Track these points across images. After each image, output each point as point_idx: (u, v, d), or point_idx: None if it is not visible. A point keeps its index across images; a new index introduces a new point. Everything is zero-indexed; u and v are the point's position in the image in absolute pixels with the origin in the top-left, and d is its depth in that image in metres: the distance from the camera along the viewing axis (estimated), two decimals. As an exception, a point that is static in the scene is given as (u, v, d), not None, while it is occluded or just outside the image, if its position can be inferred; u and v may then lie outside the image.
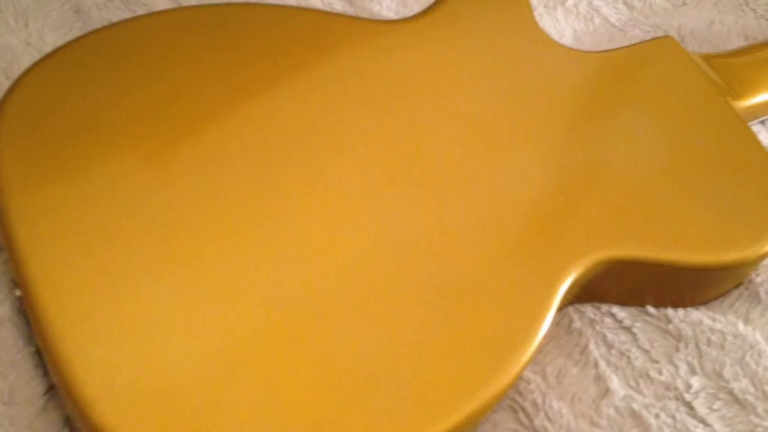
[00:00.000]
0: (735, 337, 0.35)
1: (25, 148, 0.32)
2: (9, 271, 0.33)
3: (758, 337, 0.35)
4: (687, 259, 0.34)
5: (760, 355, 0.34)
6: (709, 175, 0.36)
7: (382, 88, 0.37)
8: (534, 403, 0.32)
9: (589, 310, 0.36)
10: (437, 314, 0.30)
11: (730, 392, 0.34)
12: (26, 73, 0.35)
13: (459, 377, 0.29)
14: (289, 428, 0.27)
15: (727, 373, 0.34)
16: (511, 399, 0.33)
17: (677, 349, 0.35)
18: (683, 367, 0.34)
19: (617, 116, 0.38)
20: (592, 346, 0.35)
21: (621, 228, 0.34)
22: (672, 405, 0.33)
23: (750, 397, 0.33)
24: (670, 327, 0.35)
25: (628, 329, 0.35)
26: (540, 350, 0.32)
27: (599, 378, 0.34)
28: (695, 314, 0.36)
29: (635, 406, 0.33)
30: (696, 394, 0.33)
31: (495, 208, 0.34)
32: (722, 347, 0.35)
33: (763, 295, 0.37)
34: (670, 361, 0.34)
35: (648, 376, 0.34)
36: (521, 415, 0.32)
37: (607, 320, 0.36)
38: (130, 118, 0.34)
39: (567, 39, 0.48)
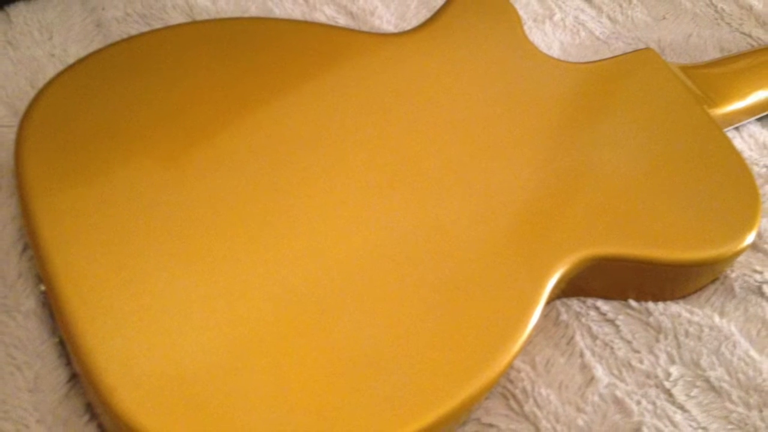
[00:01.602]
0: (711, 328, 0.35)
1: (49, 152, 0.32)
2: (34, 267, 0.33)
3: (733, 328, 0.35)
4: (666, 256, 0.34)
5: (734, 346, 0.34)
6: (687, 178, 0.36)
7: (382, 97, 0.37)
8: (524, 391, 0.32)
9: (575, 303, 0.36)
10: (434, 308, 0.30)
11: (707, 380, 0.34)
12: (50, 83, 0.35)
13: (454, 366, 0.29)
14: (295, 414, 0.27)
15: (704, 362, 0.34)
16: (503, 387, 0.33)
17: (657, 340, 0.35)
18: (663, 357, 0.34)
19: (602, 123, 0.38)
20: (578, 338, 0.35)
21: (605, 227, 0.34)
22: (652, 392, 0.33)
23: (725, 385, 0.33)
24: (651, 319, 0.35)
25: (611, 321, 0.35)
26: (529, 341, 0.32)
27: (584, 367, 0.34)
28: (674, 307, 0.36)
29: (618, 393, 0.33)
30: (675, 382, 0.33)
31: (488, 209, 0.34)
32: (699, 338, 0.35)
33: (737, 290, 0.37)
34: (651, 351, 0.34)
35: (630, 365, 0.34)
36: (512, 402, 0.32)
37: (592, 313, 0.36)
38: (147, 124, 0.34)
39: (555, 51, 0.48)
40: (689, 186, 0.36)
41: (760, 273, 0.37)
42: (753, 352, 0.34)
